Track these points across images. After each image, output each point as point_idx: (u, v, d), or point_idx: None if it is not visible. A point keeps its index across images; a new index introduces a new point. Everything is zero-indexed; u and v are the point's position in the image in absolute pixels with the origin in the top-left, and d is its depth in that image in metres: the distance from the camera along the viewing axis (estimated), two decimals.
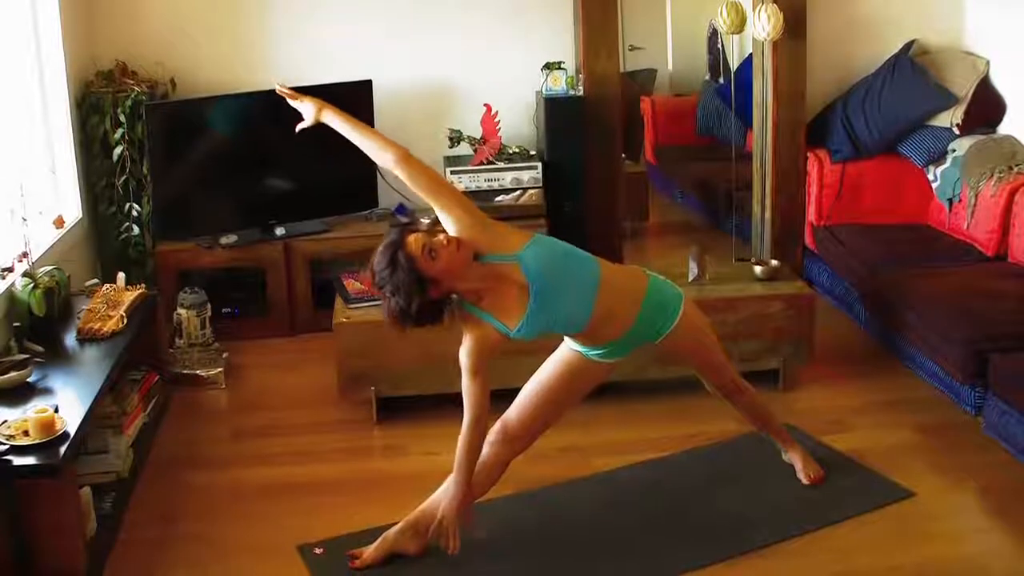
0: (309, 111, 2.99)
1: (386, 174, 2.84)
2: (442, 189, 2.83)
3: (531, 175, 4.89)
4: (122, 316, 3.72)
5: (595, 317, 2.86)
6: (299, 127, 3.02)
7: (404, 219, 3.65)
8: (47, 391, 3.18)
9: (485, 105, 4.95)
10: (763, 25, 4.65)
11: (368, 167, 4.73)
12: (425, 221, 2.80)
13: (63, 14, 4.45)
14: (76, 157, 4.59)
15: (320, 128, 3.01)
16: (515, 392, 3.07)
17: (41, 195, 4.27)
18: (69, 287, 3.90)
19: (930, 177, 4.95)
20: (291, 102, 3.03)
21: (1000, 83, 4.92)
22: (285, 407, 4.14)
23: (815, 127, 5.14)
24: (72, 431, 2.87)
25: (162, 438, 3.90)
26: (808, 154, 5.08)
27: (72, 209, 4.55)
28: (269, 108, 4.78)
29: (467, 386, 2.80)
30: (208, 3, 4.97)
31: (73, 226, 4.45)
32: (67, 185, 4.56)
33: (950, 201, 4.80)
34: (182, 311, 4.51)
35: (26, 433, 2.83)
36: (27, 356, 3.34)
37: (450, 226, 2.79)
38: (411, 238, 2.69)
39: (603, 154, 4.97)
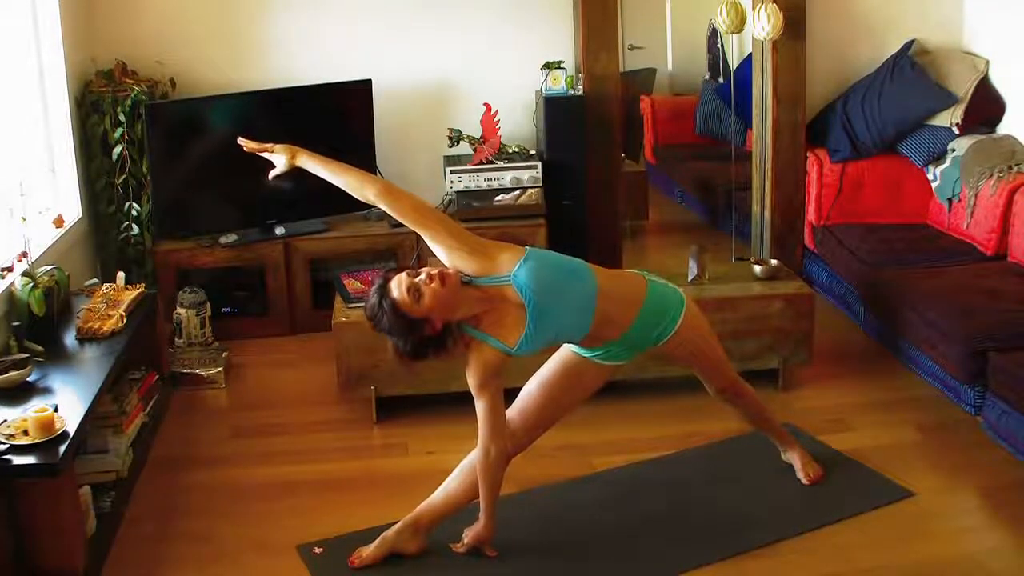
0: (281, 159, 2.93)
1: (375, 200, 2.81)
2: (428, 217, 2.80)
3: (531, 174, 4.89)
4: (122, 315, 3.72)
5: (594, 325, 2.86)
6: (272, 174, 2.98)
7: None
8: (47, 390, 3.18)
9: (485, 104, 4.95)
10: (763, 25, 4.66)
11: (368, 166, 4.76)
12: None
13: (63, 14, 4.44)
14: (76, 157, 4.59)
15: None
16: (516, 392, 3.08)
17: (41, 194, 4.26)
18: (69, 286, 3.89)
19: (930, 177, 4.95)
20: (262, 153, 2.97)
21: (999, 83, 4.92)
22: (285, 406, 4.14)
23: (815, 127, 5.14)
24: (72, 430, 2.87)
25: (162, 437, 3.89)
26: (808, 154, 5.08)
27: (72, 208, 4.55)
28: (269, 107, 4.80)
29: (476, 405, 2.82)
30: (208, 3, 4.97)
31: (73, 225, 4.45)
32: (67, 184, 4.56)
33: (950, 201, 4.80)
34: (182, 310, 4.51)
35: (26, 432, 2.83)
36: (27, 355, 3.33)
37: (439, 252, 2.79)
38: (394, 281, 2.70)
39: (603, 153, 4.97)
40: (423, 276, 2.68)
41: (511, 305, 2.77)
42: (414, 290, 2.67)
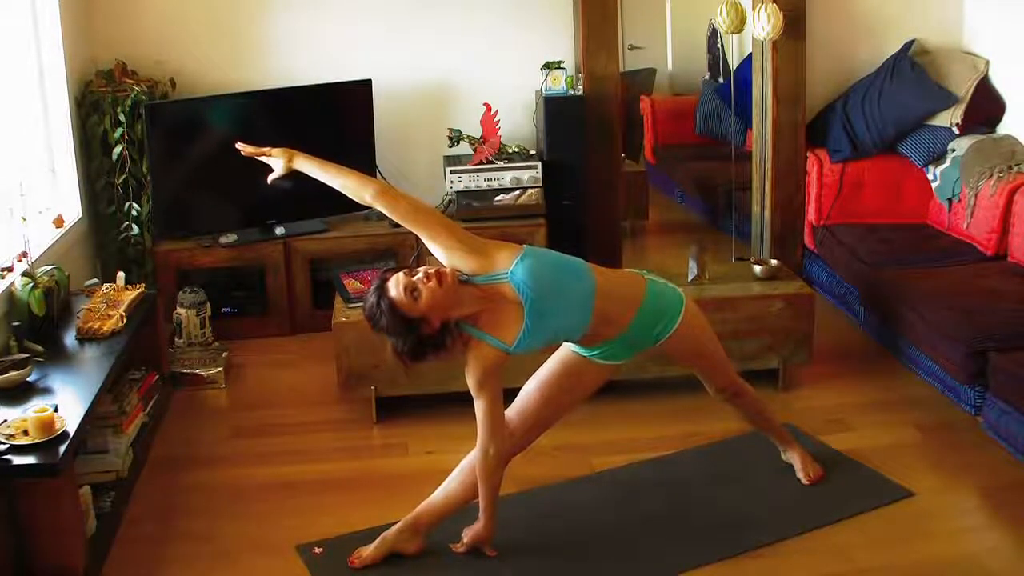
0: (278, 163, 2.95)
1: (373, 202, 2.83)
2: (425, 217, 2.80)
3: (531, 174, 4.89)
4: (122, 315, 3.72)
5: (592, 324, 2.86)
6: (271, 178, 2.99)
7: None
8: (47, 390, 3.18)
9: (485, 104, 4.95)
10: (763, 25, 4.66)
11: (368, 167, 4.77)
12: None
13: (63, 14, 4.44)
14: (76, 157, 4.59)
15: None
16: (516, 392, 3.07)
17: (41, 194, 4.27)
18: (69, 286, 3.89)
19: (930, 177, 4.95)
20: (259, 157, 2.98)
21: (1000, 83, 4.92)
22: (285, 406, 4.14)
23: (815, 127, 5.14)
24: (72, 430, 2.87)
25: (162, 437, 3.90)
26: (808, 154, 5.08)
27: (72, 208, 4.55)
28: (269, 107, 4.80)
29: (476, 405, 2.83)
30: (208, 3, 4.97)
31: (73, 225, 4.45)
32: (67, 185, 4.56)
33: (949, 201, 4.80)
34: (182, 310, 4.51)
35: (26, 432, 2.83)
36: (27, 355, 3.33)
37: (437, 252, 2.79)
38: (391, 281, 2.71)
39: (603, 154, 4.97)
40: (420, 275, 2.69)
41: (509, 303, 2.77)
42: (411, 289, 2.67)
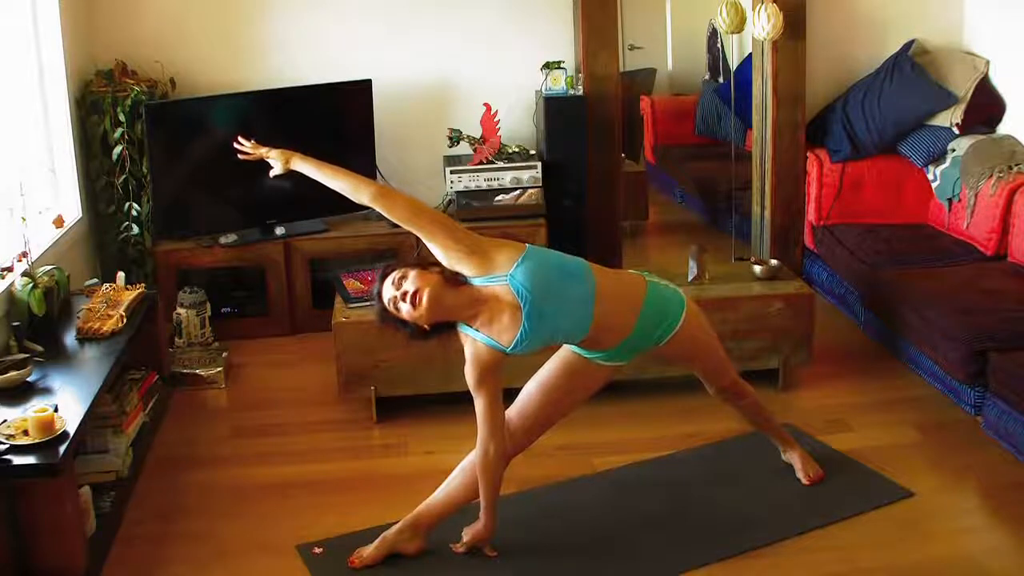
0: (276, 164, 2.99)
1: (371, 203, 2.86)
2: (424, 218, 2.80)
3: (531, 175, 4.88)
4: (122, 315, 3.72)
5: (593, 328, 2.86)
6: (272, 174, 3.03)
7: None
8: (47, 390, 3.18)
9: (485, 104, 4.95)
10: (763, 25, 4.66)
11: (368, 167, 4.77)
12: None
13: (63, 14, 4.45)
14: (76, 157, 4.59)
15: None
16: (516, 392, 3.07)
17: (41, 194, 4.26)
18: (69, 286, 3.89)
19: (930, 177, 4.95)
20: (257, 158, 3.03)
21: (1000, 83, 4.92)
22: (285, 406, 4.14)
23: (815, 127, 5.14)
24: (72, 430, 2.87)
25: (162, 437, 3.89)
26: (808, 154, 5.08)
27: (72, 208, 4.55)
28: (269, 107, 4.80)
29: (475, 403, 2.84)
30: (208, 3, 4.97)
31: (73, 225, 4.45)
32: (67, 184, 4.56)
33: (950, 201, 4.80)
34: (182, 310, 4.51)
35: (26, 432, 2.83)
36: (27, 355, 3.34)
37: (437, 253, 2.81)
38: (384, 285, 2.78)
39: (603, 154, 4.97)
40: (398, 294, 2.73)
41: (508, 305, 2.76)
42: (394, 302, 2.74)
